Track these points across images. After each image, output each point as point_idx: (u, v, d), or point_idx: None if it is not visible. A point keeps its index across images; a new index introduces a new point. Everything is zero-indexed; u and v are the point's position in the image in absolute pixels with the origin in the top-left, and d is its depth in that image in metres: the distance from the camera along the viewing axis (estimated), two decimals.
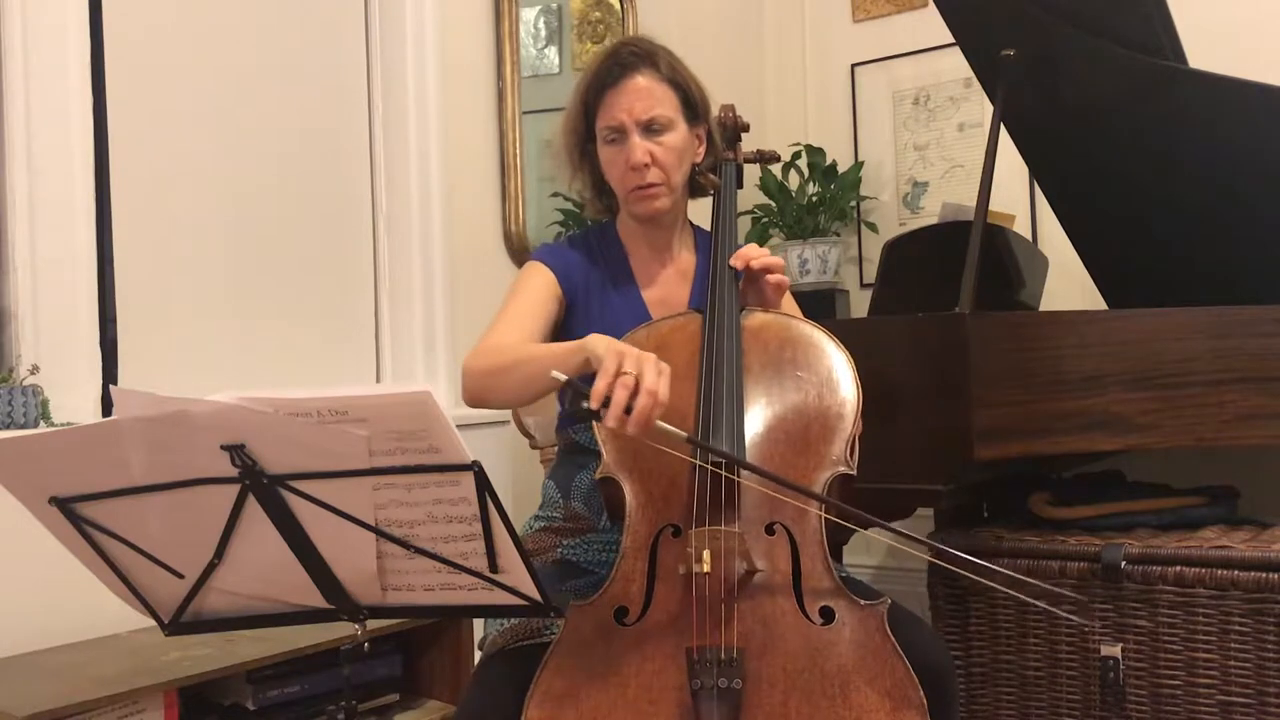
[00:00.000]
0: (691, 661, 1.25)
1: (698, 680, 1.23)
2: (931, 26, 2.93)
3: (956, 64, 2.87)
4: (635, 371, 1.26)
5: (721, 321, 1.53)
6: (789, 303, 1.72)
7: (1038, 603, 1.96)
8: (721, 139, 1.78)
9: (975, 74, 2.60)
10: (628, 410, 1.24)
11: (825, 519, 1.39)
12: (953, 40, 2.57)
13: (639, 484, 1.43)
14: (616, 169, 1.65)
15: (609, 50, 1.66)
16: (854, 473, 1.45)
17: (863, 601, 1.33)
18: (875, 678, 1.26)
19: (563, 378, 1.28)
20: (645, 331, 1.57)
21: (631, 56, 1.62)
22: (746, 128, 1.84)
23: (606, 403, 1.25)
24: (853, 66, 3.58)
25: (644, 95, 1.61)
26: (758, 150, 1.89)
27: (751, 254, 1.59)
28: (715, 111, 1.76)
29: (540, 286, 1.66)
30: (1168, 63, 2.25)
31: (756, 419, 1.47)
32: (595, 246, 1.74)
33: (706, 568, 1.30)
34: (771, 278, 1.59)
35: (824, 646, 1.29)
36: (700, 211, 1.79)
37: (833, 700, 1.25)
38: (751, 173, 3.31)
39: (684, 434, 1.29)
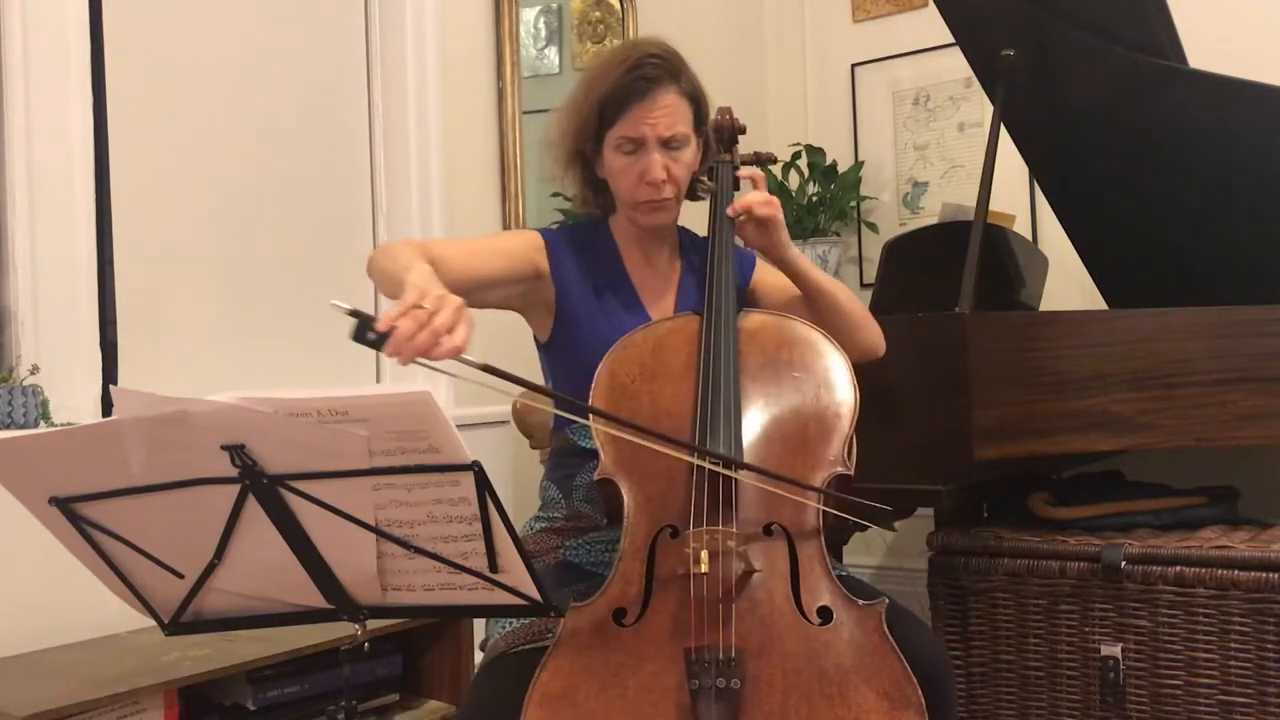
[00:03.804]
0: (690, 662, 1.25)
1: (696, 681, 1.23)
2: (931, 26, 2.93)
3: (956, 64, 2.86)
4: (433, 309, 1.20)
5: (719, 323, 1.53)
6: (776, 275, 1.72)
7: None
8: (718, 142, 1.78)
9: (975, 74, 2.60)
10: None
11: (824, 515, 1.39)
12: (953, 40, 2.57)
13: (637, 485, 1.43)
14: (629, 179, 1.62)
15: (631, 58, 1.60)
16: (851, 473, 1.45)
17: (860, 601, 1.33)
18: (873, 677, 1.27)
19: (345, 306, 1.16)
20: (643, 333, 1.57)
21: (656, 70, 1.59)
22: (744, 130, 1.82)
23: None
24: (853, 66, 3.58)
25: (669, 113, 1.59)
26: (755, 152, 1.87)
27: (754, 201, 1.62)
28: (713, 114, 1.75)
29: (522, 244, 1.65)
30: (1168, 63, 2.25)
31: (754, 419, 1.47)
32: (590, 244, 1.73)
33: (704, 568, 1.30)
34: (763, 211, 1.62)
35: (822, 646, 1.29)
36: (692, 214, 1.78)
37: (831, 700, 1.25)
38: None
39: (479, 363, 1.20)
